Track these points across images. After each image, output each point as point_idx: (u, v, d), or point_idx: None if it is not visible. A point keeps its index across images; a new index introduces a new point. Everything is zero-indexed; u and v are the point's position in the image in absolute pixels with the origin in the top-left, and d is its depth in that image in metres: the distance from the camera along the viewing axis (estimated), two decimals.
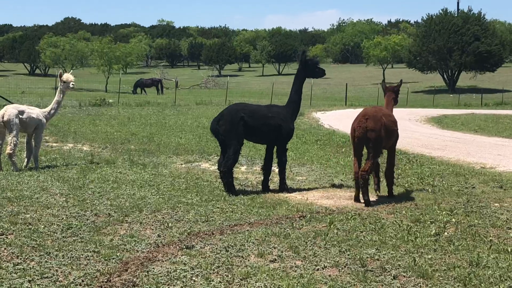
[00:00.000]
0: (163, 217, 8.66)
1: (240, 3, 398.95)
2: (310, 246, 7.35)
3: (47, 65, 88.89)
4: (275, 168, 11.52)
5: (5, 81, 61.71)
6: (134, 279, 6.11)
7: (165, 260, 6.73)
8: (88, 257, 6.74)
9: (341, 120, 28.15)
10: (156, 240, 7.53)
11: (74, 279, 6.06)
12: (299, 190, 11.27)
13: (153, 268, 6.43)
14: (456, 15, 74.93)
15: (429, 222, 8.58)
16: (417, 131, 24.36)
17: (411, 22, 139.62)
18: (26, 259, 6.62)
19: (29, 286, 5.87)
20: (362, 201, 10.13)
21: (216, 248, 7.19)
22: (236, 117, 10.59)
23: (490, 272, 6.43)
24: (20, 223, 8.08)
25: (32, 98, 36.35)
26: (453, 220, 8.73)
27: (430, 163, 14.78)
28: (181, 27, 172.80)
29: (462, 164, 14.73)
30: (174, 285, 6.01)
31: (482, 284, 6.10)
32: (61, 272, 6.25)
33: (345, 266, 6.60)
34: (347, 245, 7.40)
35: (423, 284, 6.14)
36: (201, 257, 6.83)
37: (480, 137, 22.45)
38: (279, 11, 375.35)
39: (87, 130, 20.73)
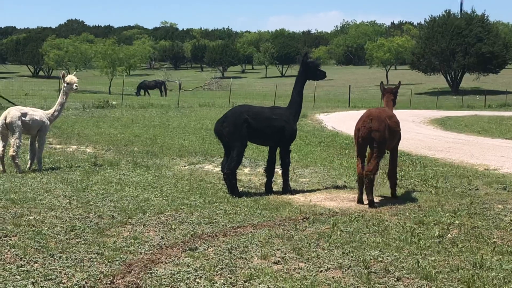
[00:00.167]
0: (167, 219, 8.67)
1: (243, 5, 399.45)
2: (313, 248, 7.35)
3: (50, 67, 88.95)
4: (278, 170, 11.51)
5: (9, 83, 61.81)
6: (138, 281, 6.12)
7: (169, 262, 6.73)
8: (91, 259, 6.75)
9: (344, 121, 28.14)
10: (160, 242, 7.54)
11: (77, 281, 6.07)
12: (302, 192, 11.27)
13: (157, 270, 6.43)
14: (459, 16, 74.80)
15: (432, 224, 8.57)
16: (421, 132, 24.33)
17: (414, 23, 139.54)
18: (30, 261, 6.63)
19: None
20: (365, 202, 10.13)
21: (220, 250, 7.19)
22: (240, 119, 10.59)
23: (494, 274, 6.42)
24: (24, 225, 8.09)
25: (36, 100, 36.40)
26: (457, 222, 8.72)
27: (434, 164, 14.76)
28: (184, 29, 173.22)
29: (465, 165, 14.71)
30: (177, 287, 6.01)
31: (486, 286, 6.09)
32: (64, 274, 6.26)
33: (348, 268, 6.60)
34: (350, 247, 7.40)
35: (426, 286, 6.13)
36: (205, 259, 6.83)
37: (484, 138, 22.41)
38: (282, 12, 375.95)
39: (90, 132, 20.76)
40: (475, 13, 73.10)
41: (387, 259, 6.92)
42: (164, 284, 6.04)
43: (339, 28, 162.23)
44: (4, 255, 6.81)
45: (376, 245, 7.46)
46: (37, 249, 7.05)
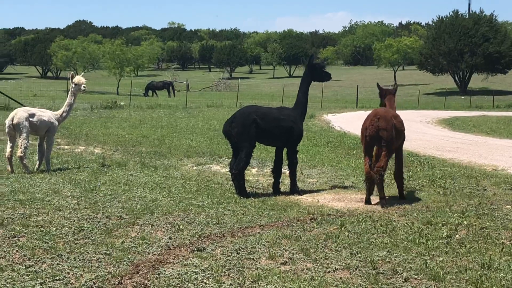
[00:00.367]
0: (174, 220, 8.68)
1: (251, 5, 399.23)
2: (321, 249, 7.34)
3: (58, 68, 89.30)
4: (286, 171, 11.51)
5: (17, 84, 62.00)
6: (146, 282, 6.13)
7: (176, 263, 6.74)
8: (99, 260, 6.77)
9: (352, 122, 28.10)
10: (168, 242, 7.55)
11: (85, 281, 6.09)
12: (310, 192, 11.27)
13: (164, 271, 6.44)
14: (467, 16, 74.56)
15: (440, 225, 8.55)
16: (429, 133, 24.27)
17: (422, 24, 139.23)
18: (38, 261, 6.65)
19: None
20: (373, 203, 10.15)
21: (227, 251, 7.20)
22: (249, 120, 10.60)
23: (502, 274, 6.41)
24: (32, 225, 8.12)
25: (44, 100, 36.54)
26: (465, 222, 8.70)
27: (442, 165, 14.73)
28: (192, 30, 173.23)
29: (473, 166, 14.67)
30: None
31: (494, 287, 6.08)
32: (72, 274, 6.28)
33: (356, 269, 6.60)
34: (358, 247, 7.39)
35: (434, 286, 6.12)
36: (212, 260, 6.84)
37: (492, 139, 22.33)
38: (290, 13, 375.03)
39: (98, 132, 20.81)
40: (483, 13, 72.86)
41: (395, 259, 6.91)
42: (172, 285, 6.05)
43: (347, 29, 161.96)
44: (12, 256, 6.84)
45: (384, 246, 7.45)
46: (45, 249, 7.08)
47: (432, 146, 19.26)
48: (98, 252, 7.04)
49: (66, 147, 17.03)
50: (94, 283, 6.06)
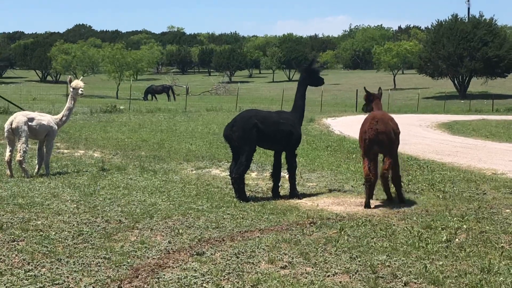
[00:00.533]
0: (174, 224, 8.68)
1: (250, 9, 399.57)
2: (320, 253, 7.34)
3: (58, 72, 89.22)
4: (285, 175, 11.50)
5: (17, 88, 62.02)
6: (145, 286, 6.13)
7: (176, 267, 6.73)
8: (99, 264, 6.76)
9: (351, 126, 28.06)
10: (167, 246, 7.54)
11: (85, 285, 6.08)
12: (310, 196, 11.26)
13: (164, 275, 6.43)
14: (466, 20, 74.61)
15: (440, 229, 8.55)
16: (428, 137, 24.28)
17: (421, 28, 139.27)
18: (37, 265, 6.64)
19: None
20: (372, 207, 10.18)
21: (227, 255, 7.19)
22: (249, 124, 10.61)
23: (502, 278, 6.40)
24: (31, 229, 8.11)
25: (44, 104, 36.55)
26: (464, 226, 8.69)
27: (441, 169, 14.72)
28: (192, 34, 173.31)
29: (473, 170, 14.67)
30: None
31: None
32: (72, 278, 6.27)
33: (355, 273, 6.59)
34: (357, 251, 7.39)
35: None
36: (212, 264, 6.83)
37: (491, 143, 22.34)
38: (290, 17, 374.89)
39: (98, 136, 20.81)
40: (483, 17, 72.91)
41: (394, 263, 6.90)
42: None
43: (347, 33, 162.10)
44: (12, 260, 6.83)
45: (384, 250, 7.45)
46: (44, 253, 7.07)
47: (432, 150, 19.27)
48: (98, 256, 7.03)
49: (65, 151, 17.02)
50: (93, 287, 6.05)
